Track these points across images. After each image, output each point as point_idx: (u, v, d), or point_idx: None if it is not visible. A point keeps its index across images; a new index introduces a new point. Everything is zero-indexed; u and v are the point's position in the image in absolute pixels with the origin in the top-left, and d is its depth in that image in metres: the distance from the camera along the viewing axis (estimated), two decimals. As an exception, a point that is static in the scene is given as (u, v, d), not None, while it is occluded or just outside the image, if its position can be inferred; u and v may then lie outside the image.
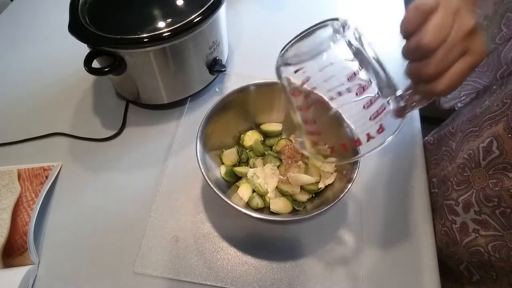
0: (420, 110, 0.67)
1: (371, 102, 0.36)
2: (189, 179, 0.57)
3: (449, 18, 0.28)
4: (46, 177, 0.56)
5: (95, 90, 0.69)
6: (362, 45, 0.35)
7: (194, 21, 0.53)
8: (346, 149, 0.40)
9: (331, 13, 0.85)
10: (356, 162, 0.48)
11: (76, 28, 0.52)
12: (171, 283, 0.49)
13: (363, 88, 0.35)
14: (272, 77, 0.55)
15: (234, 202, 0.45)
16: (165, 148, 0.61)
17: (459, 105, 0.60)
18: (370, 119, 0.36)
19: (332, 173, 0.52)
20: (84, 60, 0.52)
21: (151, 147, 0.61)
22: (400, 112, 0.37)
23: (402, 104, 0.37)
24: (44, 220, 0.54)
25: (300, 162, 0.54)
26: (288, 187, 0.51)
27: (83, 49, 0.53)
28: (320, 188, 0.52)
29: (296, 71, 0.36)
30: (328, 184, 0.52)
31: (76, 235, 0.52)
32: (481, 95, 0.55)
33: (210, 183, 0.45)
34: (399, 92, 0.37)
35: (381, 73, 0.36)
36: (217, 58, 0.63)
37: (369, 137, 0.37)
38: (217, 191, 0.45)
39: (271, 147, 0.57)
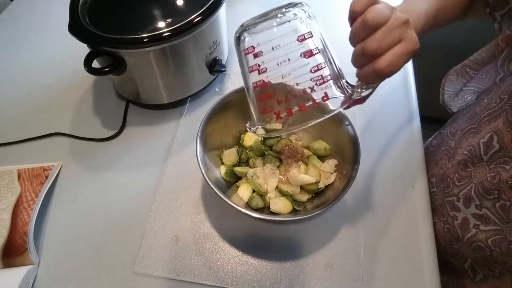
0: (420, 110, 0.67)
1: (317, 68, 0.40)
2: (189, 179, 0.57)
3: (388, 8, 0.35)
4: (46, 177, 0.56)
5: (95, 90, 0.69)
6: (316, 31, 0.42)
7: (194, 21, 0.53)
8: (304, 109, 0.41)
9: (331, 13, 0.85)
10: (356, 162, 0.48)
11: (76, 28, 0.52)
12: (171, 283, 0.49)
13: (311, 53, 0.40)
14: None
15: (234, 202, 0.45)
16: (165, 148, 0.61)
17: (468, 97, 0.60)
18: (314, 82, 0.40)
19: (332, 173, 0.52)
20: (84, 60, 0.52)
21: (151, 147, 0.61)
22: (346, 102, 0.42)
23: (346, 93, 0.42)
24: (44, 220, 0.54)
25: (300, 162, 0.54)
26: (288, 187, 0.51)
27: (83, 49, 0.53)
28: (320, 188, 0.52)
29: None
30: (328, 184, 0.52)
31: (76, 235, 0.52)
32: (480, 95, 0.55)
33: (210, 183, 0.45)
34: (344, 81, 0.42)
35: (331, 60, 0.42)
36: (217, 58, 0.63)
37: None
38: (217, 191, 0.45)
39: (271, 147, 0.57)
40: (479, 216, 0.48)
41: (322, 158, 0.56)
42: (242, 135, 0.58)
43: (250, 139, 0.57)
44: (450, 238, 0.53)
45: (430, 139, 0.66)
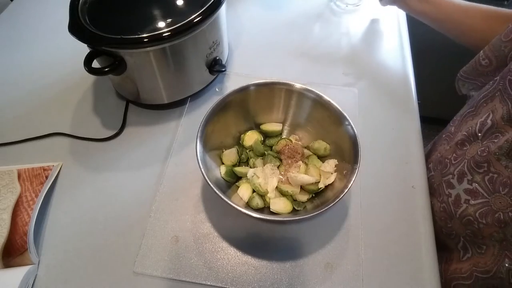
0: (420, 110, 0.67)
1: None
2: (189, 179, 0.57)
3: None
4: (46, 177, 0.56)
5: (95, 90, 0.69)
6: None
7: (194, 21, 0.53)
8: None
9: (331, 13, 0.85)
10: (356, 162, 0.48)
11: (76, 28, 0.52)
12: (171, 283, 0.49)
13: None
14: (271, 77, 0.56)
15: (234, 202, 0.45)
16: (165, 148, 0.61)
17: (472, 93, 0.62)
18: None
19: (332, 173, 0.52)
20: (84, 60, 0.52)
21: (151, 147, 0.62)
22: None
23: None
24: (44, 220, 0.54)
25: (300, 162, 0.54)
26: (288, 187, 0.51)
27: (83, 49, 0.53)
28: (320, 188, 0.52)
29: None
30: (328, 184, 0.52)
31: (76, 235, 0.52)
32: None
33: (210, 183, 0.45)
34: None
35: None
36: (217, 58, 0.63)
37: None
38: (217, 191, 0.45)
39: (271, 147, 0.57)
40: (470, 191, 0.50)
41: (322, 158, 0.56)
42: (242, 135, 0.58)
43: (250, 139, 0.57)
44: (445, 217, 0.55)
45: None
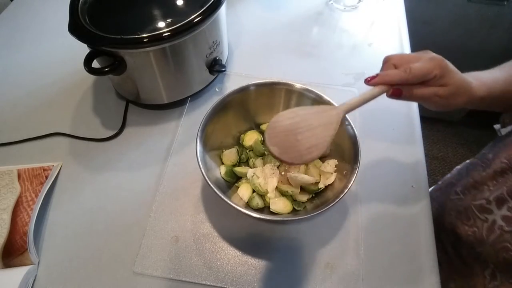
0: (420, 110, 0.67)
1: None
2: (189, 179, 0.57)
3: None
4: (46, 177, 0.56)
5: (95, 90, 0.69)
6: None
7: (194, 21, 0.53)
8: None
9: (331, 13, 0.85)
10: (356, 162, 0.48)
11: (76, 28, 0.52)
12: (171, 283, 0.49)
13: None
14: (271, 77, 0.56)
15: (234, 202, 0.45)
16: (165, 148, 0.61)
17: None
18: None
19: (332, 173, 0.52)
20: (84, 60, 0.52)
21: (151, 147, 0.62)
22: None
23: None
24: (44, 220, 0.54)
25: None
26: (288, 187, 0.51)
27: (83, 49, 0.53)
28: (320, 188, 0.52)
29: None
30: (328, 184, 0.52)
31: (76, 235, 0.52)
32: None
33: (210, 183, 0.45)
34: None
35: None
36: (217, 58, 0.63)
37: None
38: (217, 191, 0.45)
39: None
40: (507, 217, 0.48)
41: (322, 158, 0.56)
42: (242, 135, 0.58)
43: (250, 139, 0.57)
44: (474, 241, 0.53)
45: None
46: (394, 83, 0.42)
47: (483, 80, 0.45)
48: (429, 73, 0.41)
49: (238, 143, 0.58)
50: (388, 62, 0.45)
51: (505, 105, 0.49)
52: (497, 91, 0.45)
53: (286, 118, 0.42)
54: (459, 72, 0.44)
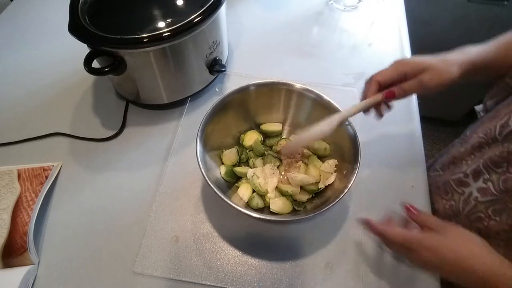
0: (420, 110, 0.67)
1: None
2: (189, 179, 0.57)
3: None
4: (46, 177, 0.56)
5: (95, 90, 0.69)
6: None
7: (194, 21, 0.53)
8: None
9: (331, 12, 0.85)
10: (355, 162, 0.48)
11: (76, 28, 0.52)
12: (171, 283, 0.49)
13: None
14: (272, 77, 0.56)
15: (234, 202, 0.45)
16: (165, 148, 0.61)
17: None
18: None
19: (332, 173, 0.52)
20: (84, 60, 0.52)
21: (151, 147, 0.61)
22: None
23: None
24: (44, 220, 0.54)
25: (300, 162, 0.54)
26: (288, 187, 0.51)
27: (83, 49, 0.53)
28: (320, 188, 0.52)
29: None
30: (328, 184, 0.52)
31: (76, 235, 0.52)
32: None
33: (210, 183, 0.45)
34: None
35: None
36: (217, 58, 0.63)
37: None
38: (217, 191, 0.45)
39: (271, 147, 0.57)
40: (482, 189, 0.50)
41: (322, 158, 0.56)
42: (242, 135, 0.58)
43: (250, 139, 0.57)
44: (450, 214, 0.54)
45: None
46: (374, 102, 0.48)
47: (465, 51, 0.49)
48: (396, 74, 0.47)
49: (238, 143, 0.58)
50: (372, 81, 0.49)
51: (492, 71, 0.52)
52: (481, 57, 0.49)
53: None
54: (424, 56, 0.48)
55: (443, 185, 0.57)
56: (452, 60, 0.47)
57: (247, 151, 0.57)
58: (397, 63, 0.48)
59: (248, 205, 0.51)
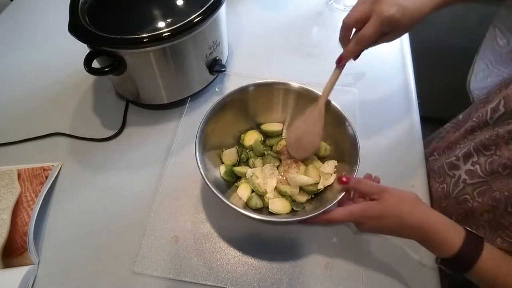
0: (420, 110, 0.67)
1: None
2: (189, 179, 0.57)
3: None
4: (46, 177, 0.56)
5: (95, 90, 0.69)
6: None
7: (194, 21, 0.53)
8: None
9: (331, 12, 0.85)
10: (355, 164, 0.48)
11: (76, 28, 0.52)
12: (171, 283, 0.49)
13: None
14: (272, 77, 0.56)
15: (233, 202, 0.45)
16: (165, 148, 0.61)
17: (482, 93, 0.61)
18: None
19: (331, 174, 0.52)
20: (84, 60, 0.52)
21: (151, 147, 0.62)
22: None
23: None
24: (44, 220, 0.54)
25: (299, 163, 0.54)
26: (287, 188, 0.51)
27: (83, 49, 0.53)
28: (319, 189, 0.52)
29: None
30: (328, 185, 0.52)
31: (76, 235, 0.52)
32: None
33: (208, 183, 0.45)
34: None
35: None
36: (217, 58, 0.63)
37: None
38: (215, 191, 0.45)
39: (271, 147, 0.57)
40: (470, 171, 0.51)
41: (322, 158, 0.56)
42: (242, 135, 0.58)
43: (250, 139, 0.57)
44: (441, 196, 0.55)
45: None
46: None
47: None
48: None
49: (238, 143, 0.58)
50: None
51: None
52: None
53: (291, 132, 0.54)
54: None
55: (438, 169, 0.58)
56: None
57: (247, 151, 0.57)
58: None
59: (247, 205, 0.51)
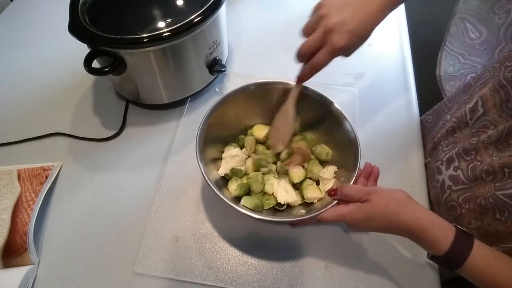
0: (420, 110, 0.67)
1: None
2: (189, 179, 0.57)
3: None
4: (46, 177, 0.56)
5: (95, 90, 0.69)
6: None
7: (194, 21, 0.53)
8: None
9: (331, 13, 0.85)
10: (355, 166, 0.48)
11: (76, 28, 0.52)
12: (171, 283, 0.49)
13: None
14: (272, 77, 0.56)
15: (233, 202, 0.45)
16: (165, 148, 0.61)
17: (455, 87, 0.61)
18: None
19: (330, 179, 0.52)
20: (84, 60, 0.52)
21: (151, 147, 0.61)
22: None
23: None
24: (44, 220, 0.54)
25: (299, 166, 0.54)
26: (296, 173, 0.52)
27: (83, 49, 0.53)
28: (320, 198, 0.51)
29: None
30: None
31: (76, 235, 0.52)
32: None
33: (210, 183, 0.45)
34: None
35: None
36: (217, 58, 0.63)
37: None
38: (216, 191, 0.45)
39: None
40: (453, 177, 0.51)
41: (323, 163, 0.55)
42: (249, 130, 0.58)
43: (259, 132, 0.57)
44: (435, 202, 0.55)
45: (424, 115, 0.67)
46: None
47: None
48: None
49: (238, 142, 0.58)
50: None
51: None
52: None
53: (272, 127, 0.56)
54: None
55: (432, 173, 0.58)
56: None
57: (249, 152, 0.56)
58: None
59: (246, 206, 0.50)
